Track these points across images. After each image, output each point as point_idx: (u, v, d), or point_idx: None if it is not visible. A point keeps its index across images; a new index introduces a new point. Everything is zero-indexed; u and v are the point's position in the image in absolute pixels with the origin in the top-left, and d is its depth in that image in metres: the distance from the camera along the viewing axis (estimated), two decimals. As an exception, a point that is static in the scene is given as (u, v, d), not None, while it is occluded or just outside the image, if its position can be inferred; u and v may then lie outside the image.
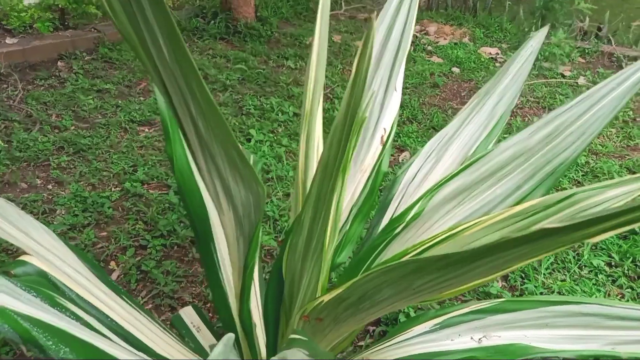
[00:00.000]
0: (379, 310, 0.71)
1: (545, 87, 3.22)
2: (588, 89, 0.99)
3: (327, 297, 0.73)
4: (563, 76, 3.44)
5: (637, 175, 0.77)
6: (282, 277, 0.85)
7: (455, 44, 3.87)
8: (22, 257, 0.88)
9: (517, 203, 0.97)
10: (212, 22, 3.58)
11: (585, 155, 2.37)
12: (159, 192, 1.97)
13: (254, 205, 0.72)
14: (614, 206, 0.77)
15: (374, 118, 1.14)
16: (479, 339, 1.03)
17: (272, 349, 0.95)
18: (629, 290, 1.61)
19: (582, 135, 0.96)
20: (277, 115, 2.58)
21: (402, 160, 2.34)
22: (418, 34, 4.00)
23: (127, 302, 0.95)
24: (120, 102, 2.59)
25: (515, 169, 0.98)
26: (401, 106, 2.71)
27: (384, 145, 1.10)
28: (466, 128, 1.24)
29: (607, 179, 2.22)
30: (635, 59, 3.76)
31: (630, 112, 2.87)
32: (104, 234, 1.74)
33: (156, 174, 2.05)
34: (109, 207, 1.82)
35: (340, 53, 3.52)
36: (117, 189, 1.97)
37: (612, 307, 1.02)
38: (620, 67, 3.70)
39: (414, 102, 2.83)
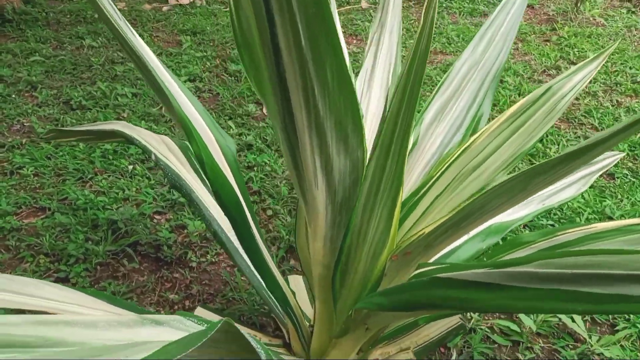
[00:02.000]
0: (481, 222, 0.82)
1: (342, 15, 3.50)
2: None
3: (429, 228, 0.81)
4: (348, 3, 3.77)
5: (591, 58, 1.00)
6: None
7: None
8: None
9: (479, 109, 1.14)
10: (-31, 14, 2.96)
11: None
12: (39, 218, 1.70)
13: (350, 170, 0.75)
14: (582, 87, 0.99)
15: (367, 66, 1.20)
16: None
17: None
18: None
19: (506, 41, 1.16)
20: (116, 100, 2.36)
21: (265, 111, 2.38)
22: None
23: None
24: None
25: (469, 81, 1.14)
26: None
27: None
28: (379, 60, 1.36)
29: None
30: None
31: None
32: (5, 283, 1.46)
33: (20, 200, 1.75)
34: (-6, 253, 1.52)
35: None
36: (-17, 231, 1.64)
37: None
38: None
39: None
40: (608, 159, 1.34)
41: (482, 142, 1.00)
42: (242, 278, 1.50)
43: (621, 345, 1.35)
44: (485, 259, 1.01)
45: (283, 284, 1.01)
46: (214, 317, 1.14)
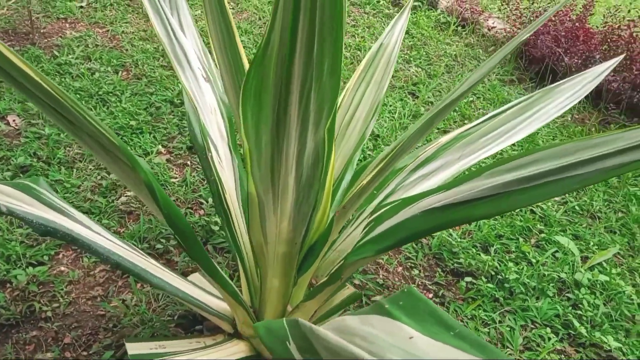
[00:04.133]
0: (399, 161, 1.00)
1: None
2: None
3: (366, 180, 0.97)
4: None
5: (399, 14, 1.24)
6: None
7: None
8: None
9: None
10: None
11: None
12: None
13: (314, 150, 0.85)
14: (402, 38, 1.24)
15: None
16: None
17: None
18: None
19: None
20: None
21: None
22: None
23: None
24: None
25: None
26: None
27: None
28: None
29: None
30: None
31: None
32: None
33: None
34: None
35: None
36: None
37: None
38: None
39: None
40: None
41: (347, 98, 1.18)
42: (121, 302, 1.39)
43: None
44: (375, 192, 1.21)
45: (229, 281, 1.03)
46: (149, 346, 1.08)
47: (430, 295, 1.53)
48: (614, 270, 1.64)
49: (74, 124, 0.79)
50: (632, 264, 1.73)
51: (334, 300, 1.15)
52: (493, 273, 1.58)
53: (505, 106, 1.27)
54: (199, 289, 1.17)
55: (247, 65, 0.95)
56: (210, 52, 1.29)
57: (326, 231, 1.02)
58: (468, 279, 1.55)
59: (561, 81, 1.29)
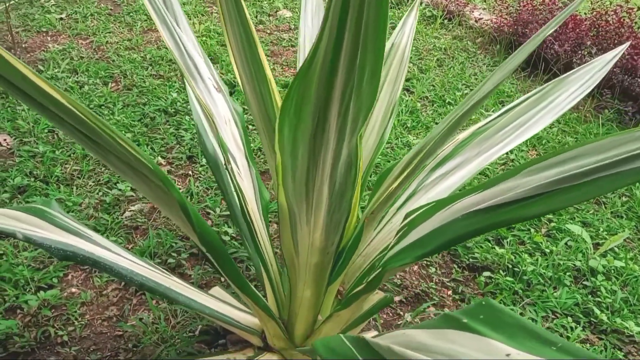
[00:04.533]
0: (424, 164, 0.98)
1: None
2: None
3: (395, 184, 0.95)
4: None
5: (408, 12, 1.22)
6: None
7: None
8: None
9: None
10: None
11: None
12: None
13: (347, 157, 0.83)
14: (412, 36, 1.22)
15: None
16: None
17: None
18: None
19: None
20: None
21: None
22: None
23: None
24: None
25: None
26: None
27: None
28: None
29: None
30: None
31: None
32: None
33: None
34: None
35: None
36: None
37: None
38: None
39: None
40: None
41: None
42: (138, 320, 1.36)
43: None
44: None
45: (260, 295, 1.01)
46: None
47: (450, 292, 1.52)
48: (627, 255, 1.66)
49: (102, 146, 0.76)
50: (642, 247, 1.75)
51: (362, 306, 1.13)
52: (510, 266, 1.57)
53: (519, 99, 1.26)
54: (224, 304, 1.14)
55: (269, 74, 0.92)
56: (213, 60, 1.26)
57: (357, 238, 1.00)
58: (486, 273, 1.54)
59: (570, 71, 1.29)
